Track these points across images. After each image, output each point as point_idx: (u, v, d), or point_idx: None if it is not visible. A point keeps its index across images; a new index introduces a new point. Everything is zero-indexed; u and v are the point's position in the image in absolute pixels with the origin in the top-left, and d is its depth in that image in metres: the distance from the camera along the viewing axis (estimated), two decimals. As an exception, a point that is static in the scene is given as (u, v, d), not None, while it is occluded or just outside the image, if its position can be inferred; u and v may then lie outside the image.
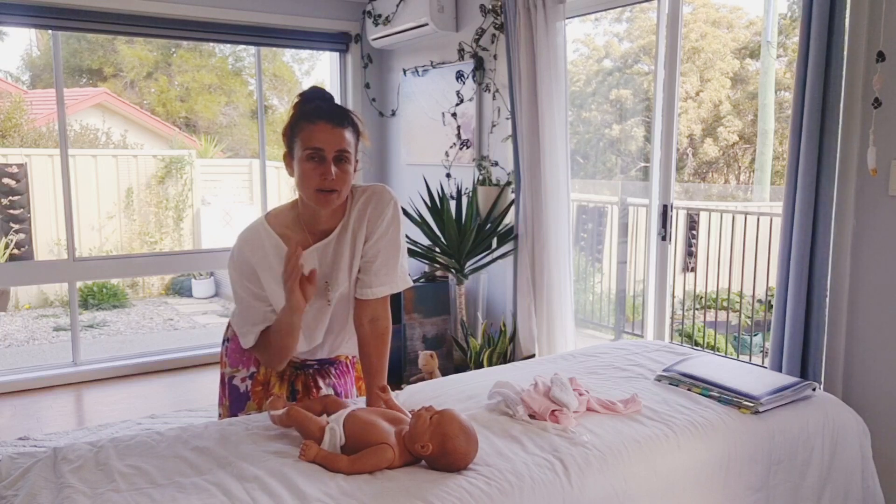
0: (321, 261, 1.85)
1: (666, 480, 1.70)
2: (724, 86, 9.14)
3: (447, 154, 4.34)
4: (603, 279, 5.47)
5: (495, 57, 3.93)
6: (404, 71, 4.72)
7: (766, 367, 2.52)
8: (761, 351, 5.06)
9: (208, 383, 4.31)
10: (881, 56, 2.22)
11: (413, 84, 4.65)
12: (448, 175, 4.35)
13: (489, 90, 4.00)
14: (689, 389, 2.07)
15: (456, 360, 4.05)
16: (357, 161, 1.80)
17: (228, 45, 10.15)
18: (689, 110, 9.24)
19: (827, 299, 2.41)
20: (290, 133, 1.75)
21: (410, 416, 1.63)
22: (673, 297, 4.16)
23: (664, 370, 2.21)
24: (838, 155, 2.34)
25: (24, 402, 3.98)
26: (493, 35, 3.91)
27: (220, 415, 2.07)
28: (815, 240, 2.37)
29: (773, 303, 2.53)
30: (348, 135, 1.73)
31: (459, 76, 4.16)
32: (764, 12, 8.31)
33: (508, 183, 3.86)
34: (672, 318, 4.24)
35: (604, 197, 6.55)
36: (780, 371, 2.44)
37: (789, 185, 2.43)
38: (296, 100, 1.79)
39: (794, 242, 2.40)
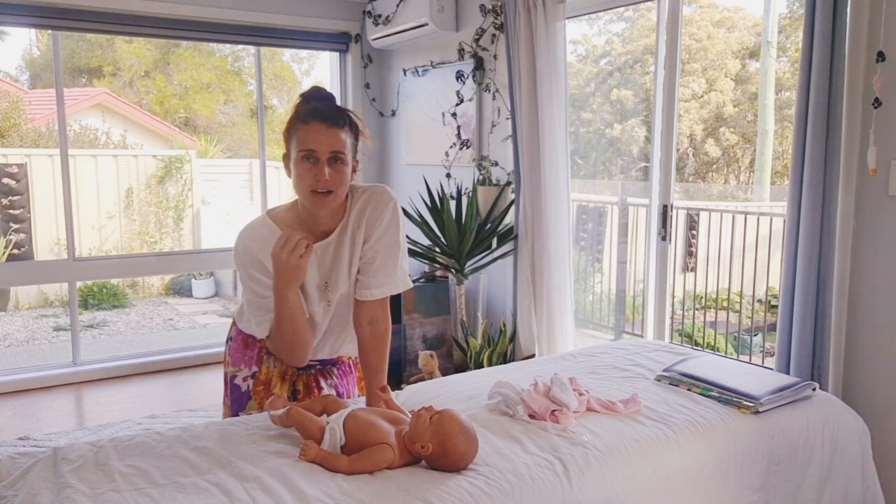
0: (321, 261, 1.85)
1: (666, 480, 1.70)
2: (727, 87, 9.14)
3: (447, 154, 4.34)
4: (603, 279, 5.47)
5: (495, 57, 3.93)
6: (404, 71, 4.72)
7: (766, 368, 2.52)
8: (761, 351, 5.06)
9: (208, 383, 4.31)
10: (881, 56, 2.22)
11: (413, 84, 4.65)
12: (448, 175, 4.35)
13: (489, 90, 4.00)
14: (689, 389, 2.07)
15: (456, 360, 4.05)
16: (357, 161, 1.80)
17: (228, 45, 10.15)
18: (692, 110, 9.24)
19: (834, 299, 2.40)
20: (288, 134, 1.75)
21: (410, 416, 1.63)
22: (673, 297, 4.16)
23: (664, 370, 2.21)
24: (842, 154, 2.34)
25: (24, 402, 3.98)
26: (493, 35, 3.91)
27: (223, 413, 2.07)
28: (822, 240, 2.36)
29: (780, 303, 2.52)
30: (343, 135, 1.71)
31: (459, 76, 4.16)
32: (764, 12, 8.30)
33: (508, 183, 3.86)
34: (672, 318, 4.24)
35: (604, 197, 6.55)
36: (789, 373, 2.44)
37: (794, 185, 2.41)
38: (297, 100, 1.78)
39: (800, 243, 2.39)
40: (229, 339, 2.06)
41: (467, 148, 4.17)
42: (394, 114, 4.94)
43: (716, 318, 5.60)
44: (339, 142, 1.70)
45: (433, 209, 3.88)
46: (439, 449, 1.53)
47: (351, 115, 1.78)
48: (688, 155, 9.43)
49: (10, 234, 7.17)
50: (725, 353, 4.66)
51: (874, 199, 2.32)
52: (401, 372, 3.97)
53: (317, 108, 1.72)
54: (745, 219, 4.57)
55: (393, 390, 1.92)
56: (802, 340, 2.41)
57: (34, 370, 4.33)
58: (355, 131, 1.77)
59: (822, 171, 2.33)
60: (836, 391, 2.40)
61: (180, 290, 8.23)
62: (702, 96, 9.12)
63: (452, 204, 3.96)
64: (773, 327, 5.11)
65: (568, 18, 3.44)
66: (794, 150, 2.40)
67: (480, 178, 4.03)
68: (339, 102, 1.81)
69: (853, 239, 2.37)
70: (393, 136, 5.01)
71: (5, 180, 7.09)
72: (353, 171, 1.78)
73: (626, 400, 1.93)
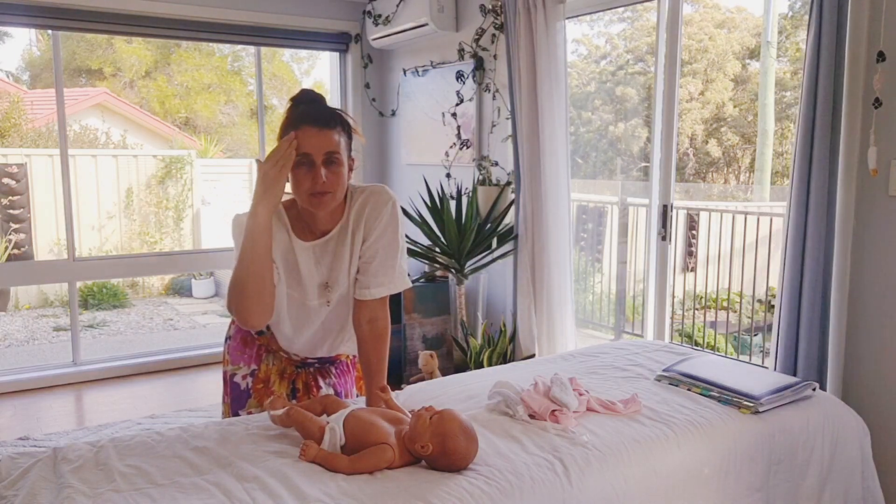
0: (320, 260, 1.85)
1: (666, 480, 1.70)
2: (727, 87, 9.14)
3: (447, 154, 4.34)
4: (603, 279, 5.47)
5: (495, 57, 3.93)
6: (404, 71, 4.72)
7: (766, 368, 2.52)
8: (761, 351, 5.06)
9: (208, 383, 4.31)
10: (881, 56, 2.22)
11: (413, 84, 4.65)
12: (448, 175, 4.35)
13: (489, 90, 4.00)
14: (689, 389, 2.07)
15: (456, 360, 4.05)
16: (352, 160, 1.80)
17: (228, 45, 10.15)
18: (694, 111, 9.24)
19: (834, 299, 2.39)
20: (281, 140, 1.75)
21: (410, 416, 1.63)
22: (673, 297, 4.16)
23: (664, 370, 2.21)
24: (843, 154, 2.33)
25: (24, 402, 3.98)
26: (493, 35, 3.91)
27: (223, 412, 2.08)
28: (828, 240, 2.35)
29: (778, 303, 2.50)
30: (336, 135, 1.71)
31: (459, 76, 4.16)
32: (764, 12, 8.30)
33: (508, 183, 3.86)
34: (672, 318, 4.24)
35: (604, 197, 6.54)
36: (794, 374, 2.43)
37: (801, 186, 2.39)
38: (287, 104, 1.79)
39: (807, 243, 2.37)
40: (228, 337, 2.07)
41: (467, 148, 4.17)
42: (394, 114, 4.94)
43: (716, 318, 5.60)
44: (332, 142, 1.70)
45: (433, 209, 3.88)
46: (439, 449, 1.53)
47: (341, 114, 1.78)
48: (688, 155, 9.44)
49: (10, 234, 7.17)
50: (725, 353, 4.66)
51: (874, 199, 2.32)
52: (401, 372, 3.97)
53: (307, 112, 1.71)
54: (745, 219, 4.57)
55: (393, 390, 1.92)
56: (810, 342, 2.40)
57: (34, 370, 4.34)
58: (347, 130, 1.77)
59: (829, 172, 2.32)
60: (837, 391, 2.40)
61: (180, 290, 8.23)
62: (701, 94, 9.12)
63: (452, 204, 3.96)
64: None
65: (568, 18, 3.44)
66: (800, 150, 2.39)
67: (480, 178, 4.03)
68: (338, 103, 1.82)
69: (853, 239, 2.37)
70: (393, 136, 5.01)
71: (5, 180, 7.08)
72: (350, 169, 1.78)
73: (626, 400, 1.93)
